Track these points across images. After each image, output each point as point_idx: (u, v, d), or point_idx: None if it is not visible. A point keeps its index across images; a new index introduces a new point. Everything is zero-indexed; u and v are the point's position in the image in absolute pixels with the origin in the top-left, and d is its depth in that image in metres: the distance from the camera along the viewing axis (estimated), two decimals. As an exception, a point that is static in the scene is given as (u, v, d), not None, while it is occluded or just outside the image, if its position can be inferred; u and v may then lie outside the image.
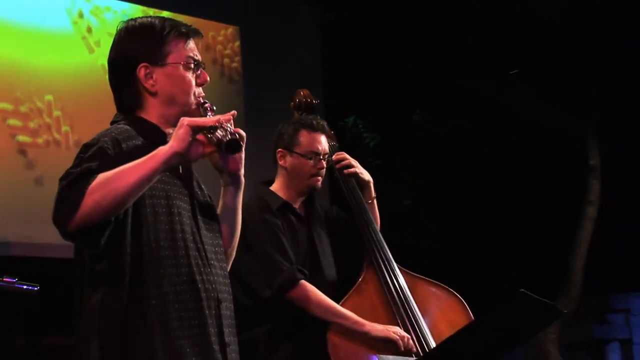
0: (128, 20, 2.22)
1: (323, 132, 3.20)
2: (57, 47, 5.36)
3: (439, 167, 6.79)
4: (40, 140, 5.20)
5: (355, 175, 3.26)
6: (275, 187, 3.19)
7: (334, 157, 3.28)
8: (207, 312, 2.05)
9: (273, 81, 6.14)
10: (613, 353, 6.29)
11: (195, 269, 2.06)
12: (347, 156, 3.30)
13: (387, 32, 6.42)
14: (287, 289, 2.93)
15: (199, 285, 2.05)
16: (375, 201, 3.32)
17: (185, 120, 1.97)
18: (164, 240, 2.03)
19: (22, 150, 5.14)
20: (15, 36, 5.20)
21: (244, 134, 2.09)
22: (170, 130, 2.10)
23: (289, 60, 6.37)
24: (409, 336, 2.90)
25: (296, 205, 3.19)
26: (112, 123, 2.17)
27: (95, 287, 1.99)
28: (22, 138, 5.15)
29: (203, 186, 2.26)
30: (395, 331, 2.90)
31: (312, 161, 3.12)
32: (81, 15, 5.50)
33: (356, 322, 2.91)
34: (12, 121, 5.12)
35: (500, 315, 2.24)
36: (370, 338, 2.89)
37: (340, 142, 6.62)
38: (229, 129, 2.02)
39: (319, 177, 3.17)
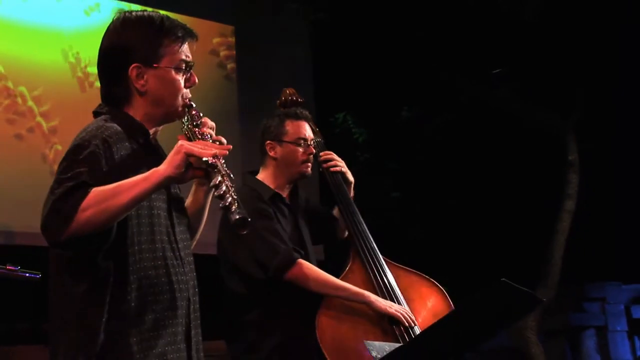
0: (124, 13, 2.18)
1: (306, 120, 3.29)
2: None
3: (425, 162, 6.93)
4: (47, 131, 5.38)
5: (342, 173, 3.38)
6: (263, 177, 3.25)
7: (321, 155, 3.38)
8: (179, 311, 2.08)
9: (266, 79, 6.22)
10: (589, 339, 6.40)
11: (171, 269, 2.08)
12: (335, 156, 3.42)
13: (376, 31, 6.54)
14: (286, 268, 2.96)
15: (175, 286, 2.08)
16: (352, 200, 3.42)
17: (183, 148, 1.95)
18: (145, 242, 2.05)
19: (29, 140, 5.32)
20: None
21: (224, 140, 2.10)
22: (152, 131, 2.15)
23: (281, 58, 6.48)
24: (408, 311, 2.96)
25: (285, 195, 3.26)
26: (95, 113, 2.16)
27: (77, 280, 2.00)
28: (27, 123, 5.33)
29: None
30: (398, 309, 2.93)
31: (301, 148, 3.22)
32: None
33: (357, 293, 2.94)
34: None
35: (483, 303, 2.24)
36: (365, 320, 2.93)
37: (331, 137, 6.82)
38: (232, 190, 1.93)
39: (309, 164, 3.25)
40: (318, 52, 6.89)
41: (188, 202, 2.30)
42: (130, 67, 2.10)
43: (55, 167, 2.05)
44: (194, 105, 2.15)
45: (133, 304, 2.00)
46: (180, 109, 2.14)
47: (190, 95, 2.17)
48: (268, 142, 3.24)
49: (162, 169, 1.94)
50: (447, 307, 3.12)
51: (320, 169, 3.38)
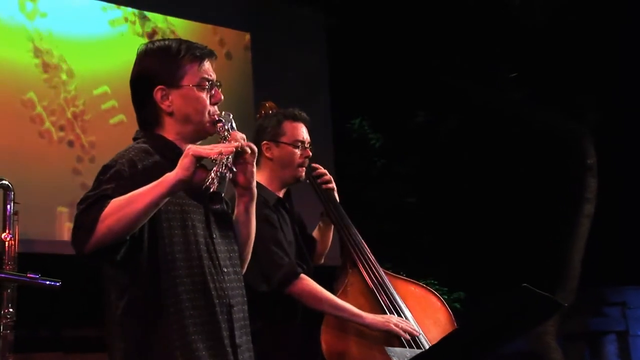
0: (147, 43, 2.32)
1: (304, 122, 3.21)
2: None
3: (440, 166, 6.95)
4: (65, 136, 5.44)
5: (332, 190, 3.29)
6: (258, 179, 3.07)
7: (314, 169, 3.30)
8: (219, 317, 2.15)
9: (282, 86, 6.24)
10: (610, 344, 6.42)
11: (209, 277, 2.16)
12: (326, 171, 3.34)
13: (390, 37, 6.56)
14: (288, 283, 2.92)
15: (212, 293, 2.16)
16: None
17: (190, 150, 2.03)
18: (178, 252, 2.13)
19: (46, 148, 5.33)
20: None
21: (255, 147, 2.20)
22: (187, 147, 2.19)
23: (297, 65, 6.49)
24: (407, 321, 2.93)
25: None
26: (134, 139, 2.28)
27: (118, 295, 2.12)
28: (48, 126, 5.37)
29: None
30: (397, 322, 2.91)
31: (298, 150, 3.14)
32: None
33: (355, 315, 2.90)
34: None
35: (503, 308, 2.26)
36: (370, 331, 2.90)
37: (347, 142, 6.81)
38: (222, 170, 2.03)
39: (304, 167, 3.18)
40: (333, 58, 6.90)
41: (234, 215, 2.36)
42: (155, 90, 2.21)
43: (79, 177, 2.13)
44: (223, 121, 2.21)
45: (171, 310, 2.09)
46: (208, 124, 2.23)
47: (218, 112, 2.24)
48: (264, 142, 3.14)
49: (173, 173, 2.02)
50: (446, 315, 3.12)
51: (308, 181, 3.28)
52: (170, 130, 2.24)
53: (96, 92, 5.59)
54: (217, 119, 2.23)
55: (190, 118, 2.23)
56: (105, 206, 1.99)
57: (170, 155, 2.19)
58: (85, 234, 1.97)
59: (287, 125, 3.16)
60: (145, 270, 2.09)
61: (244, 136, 2.20)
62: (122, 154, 2.15)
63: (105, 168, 2.11)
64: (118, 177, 2.07)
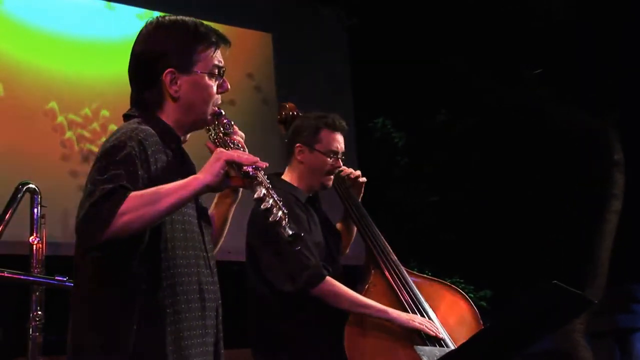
0: (158, 17, 2.16)
1: (342, 132, 3.20)
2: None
3: (466, 164, 6.92)
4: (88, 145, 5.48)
5: (361, 185, 3.30)
6: (288, 178, 3.18)
7: (342, 170, 3.28)
8: (208, 322, 2.07)
9: (305, 86, 6.25)
10: (639, 342, 6.34)
11: (202, 278, 2.06)
12: (351, 169, 3.33)
13: (412, 35, 6.55)
14: (314, 284, 2.93)
15: (205, 295, 2.05)
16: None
17: (222, 155, 1.94)
18: (179, 248, 2.01)
19: (70, 153, 5.43)
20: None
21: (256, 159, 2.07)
22: (181, 138, 2.12)
23: (320, 65, 6.51)
24: (430, 321, 2.95)
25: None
26: (126, 117, 2.13)
27: (107, 285, 1.95)
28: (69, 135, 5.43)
29: None
30: (421, 321, 2.93)
31: (331, 160, 3.13)
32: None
33: (380, 310, 2.93)
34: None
35: (533, 306, 2.25)
36: (393, 329, 2.92)
37: (370, 142, 6.81)
38: (280, 203, 1.92)
39: (332, 176, 3.19)
40: (355, 57, 6.90)
41: (210, 214, 2.27)
42: (165, 73, 2.08)
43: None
44: (224, 113, 2.13)
45: (168, 311, 1.97)
46: (209, 117, 2.13)
47: (220, 102, 2.15)
48: (298, 144, 3.16)
49: (202, 177, 1.92)
50: (471, 313, 3.12)
51: (333, 184, 3.27)
52: (169, 116, 2.11)
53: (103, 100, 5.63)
54: (218, 111, 2.13)
55: (194, 107, 2.10)
56: (124, 200, 1.84)
57: (172, 144, 2.09)
58: (100, 226, 1.81)
59: (324, 134, 3.15)
60: (144, 262, 1.95)
61: (243, 135, 2.14)
62: (129, 135, 1.98)
63: (114, 149, 1.94)
64: (129, 161, 1.91)
